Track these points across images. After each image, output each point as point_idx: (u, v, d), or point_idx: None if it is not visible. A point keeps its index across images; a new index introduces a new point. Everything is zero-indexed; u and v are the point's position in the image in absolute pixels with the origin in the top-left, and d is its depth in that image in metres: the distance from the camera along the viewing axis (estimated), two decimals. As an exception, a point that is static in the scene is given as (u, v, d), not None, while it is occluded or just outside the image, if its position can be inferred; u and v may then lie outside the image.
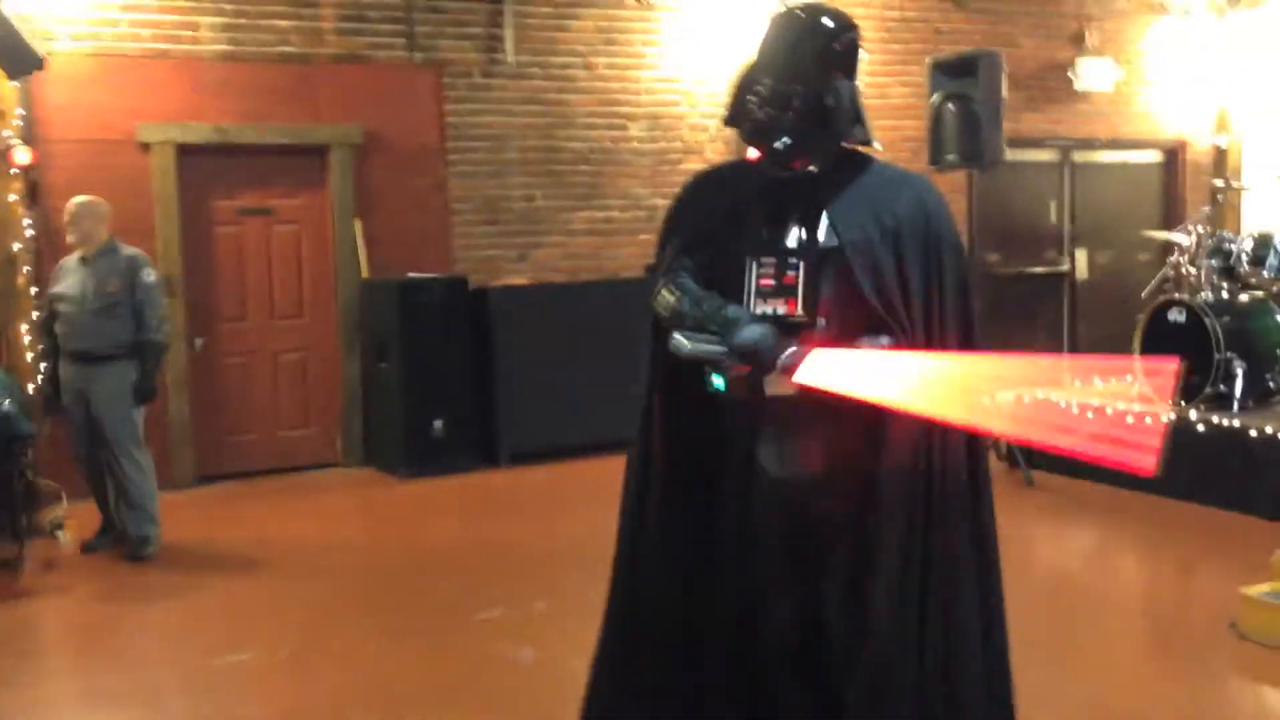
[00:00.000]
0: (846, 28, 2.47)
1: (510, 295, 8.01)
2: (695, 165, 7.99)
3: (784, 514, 2.46)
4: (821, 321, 2.37)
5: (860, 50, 2.50)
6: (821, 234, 2.40)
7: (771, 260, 2.42)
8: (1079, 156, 10.47)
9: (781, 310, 2.38)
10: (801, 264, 2.38)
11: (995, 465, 6.38)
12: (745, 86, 2.47)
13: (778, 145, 2.41)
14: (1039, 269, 10.30)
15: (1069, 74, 10.12)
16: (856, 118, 2.45)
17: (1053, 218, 10.40)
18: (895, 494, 2.38)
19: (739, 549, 2.50)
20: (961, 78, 6.94)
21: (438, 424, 7.68)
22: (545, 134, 8.52)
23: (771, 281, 2.40)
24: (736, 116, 2.50)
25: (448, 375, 7.74)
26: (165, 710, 4.09)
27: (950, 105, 6.93)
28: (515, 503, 7.08)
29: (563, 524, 6.19)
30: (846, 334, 2.36)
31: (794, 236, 2.43)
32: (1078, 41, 10.20)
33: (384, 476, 7.75)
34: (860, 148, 2.51)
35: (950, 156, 6.98)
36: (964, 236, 9.23)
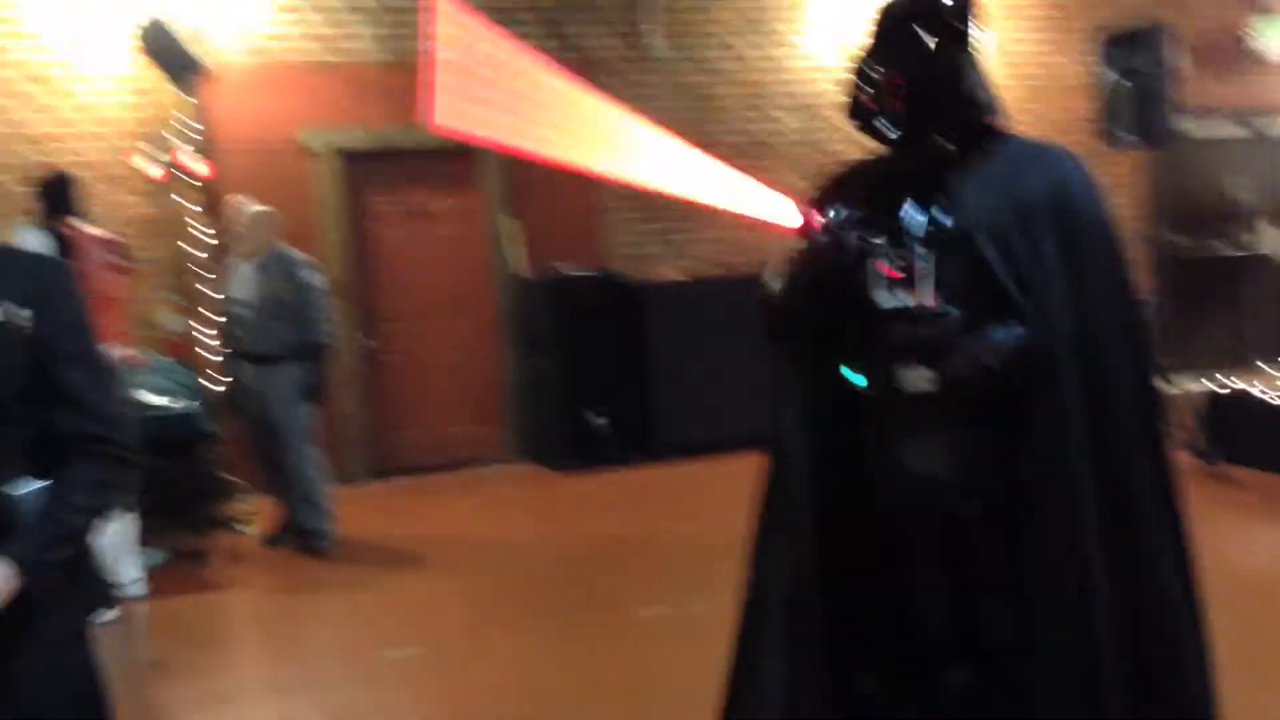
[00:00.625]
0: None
1: (665, 289, 8.00)
2: (852, 153, 7.79)
3: (931, 512, 2.35)
4: (954, 311, 2.24)
5: (973, 20, 2.34)
6: (951, 220, 2.27)
7: (899, 252, 2.30)
8: (1269, 128, 9.78)
9: (911, 302, 2.26)
10: (930, 253, 2.26)
11: (1186, 460, 6.03)
12: (859, 76, 2.35)
13: (892, 135, 2.30)
14: (1229, 251, 9.67)
15: (1248, 38, 9.46)
16: (977, 92, 2.31)
17: (1243, 195, 9.75)
18: (1044, 499, 2.24)
19: (887, 549, 2.40)
20: (1133, 51, 6.59)
21: (596, 419, 7.72)
22: (695, 125, 8.43)
23: (900, 274, 2.29)
24: (855, 109, 2.38)
25: (605, 370, 7.79)
26: (333, 703, 4.20)
27: (1122, 81, 6.60)
28: (674, 497, 7.05)
29: (722, 518, 6.07)
30: (979, 323, 2.23)
31: (921, 225, 2.31)
32: (1257, 2, 9.53)
33: (545, 471, 7.83)
34: (993, 121, 2.36)
35: (1124, 135, 6.64)
36: (1143, 219, 8.78)
